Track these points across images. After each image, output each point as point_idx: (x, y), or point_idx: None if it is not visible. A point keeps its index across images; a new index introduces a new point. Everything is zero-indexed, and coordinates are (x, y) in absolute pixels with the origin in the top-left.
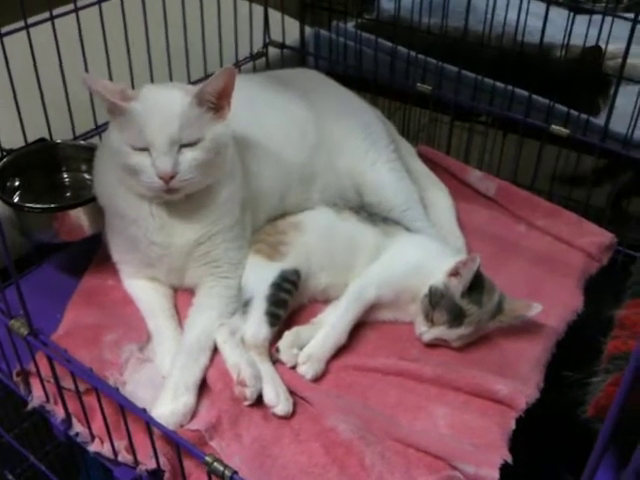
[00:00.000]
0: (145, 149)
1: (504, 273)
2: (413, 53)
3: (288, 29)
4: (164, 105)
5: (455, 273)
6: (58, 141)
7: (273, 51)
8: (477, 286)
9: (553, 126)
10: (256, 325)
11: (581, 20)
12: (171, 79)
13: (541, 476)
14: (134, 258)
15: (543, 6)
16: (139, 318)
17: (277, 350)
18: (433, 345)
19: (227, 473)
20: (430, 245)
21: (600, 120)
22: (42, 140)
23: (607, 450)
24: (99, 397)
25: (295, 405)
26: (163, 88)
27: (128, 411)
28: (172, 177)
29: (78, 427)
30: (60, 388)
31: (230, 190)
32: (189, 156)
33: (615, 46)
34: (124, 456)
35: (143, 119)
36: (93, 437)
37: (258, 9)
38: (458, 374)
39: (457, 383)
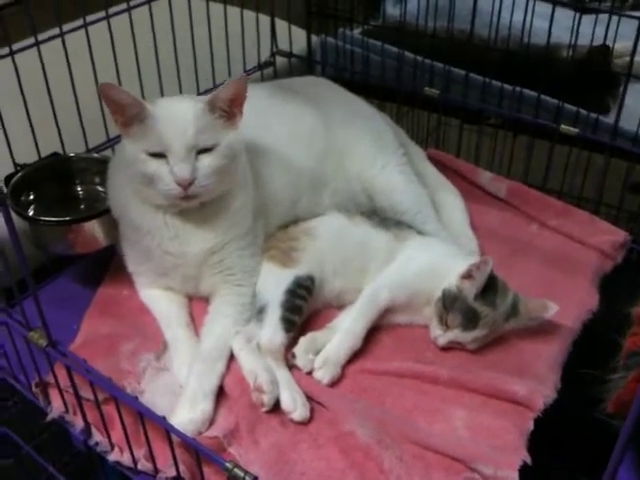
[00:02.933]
0: (162, 155)
1: (518, 274)
2: (420, 58)
3: (295, 38)
4: (179, 112)
5: (468, 276)
6: (71, 155)
7: (281, 60)
8: (490, 288)
9: (563, 126)
10: (272, 331)
11: (587, 20)
12: (180, 90)
13: (557, 477)
14: (149, 268)
15: (549, 7)
16: (155, 327)
17: (293, 356)
18: (448, 347)
19: (247, 479)
20: (443, 248)
21: (610, 119)
22: (55, 154)
23: (628, 447)
24: (118, 406)
25: (312, 410)
26: (177, 98)
27: (147, 419)
28: (190, 183)
29: (97, 436)
30: (79, 398)
31: (242, 198)
32: (206, 162)
33: (622, 44)
34: (144, 464)
35: (160, 125)
36: (112, 446)
37: (265, 19)
38: (474, 376)
39: (474, 385)
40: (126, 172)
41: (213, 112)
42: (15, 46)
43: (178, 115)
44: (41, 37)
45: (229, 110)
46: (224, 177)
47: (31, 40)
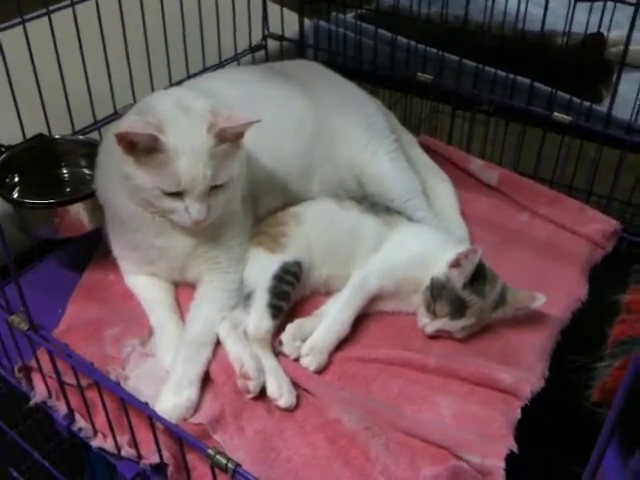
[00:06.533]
0: (177, 193)
1: (507, 262)
2: (413, 43)
3: (287, 21)
4: (194, 150)
5: (456, 264)
6: (57, 136)
7: (272, 43)
8: (479, 277)
9: (555, 114)
10: (258, 318)
11: (582, 7)
12: (169, 73)
13: (546, 464)
14: (134, 256)
15: None
16: (141, 312)
17: (280, 342)
18: (436, 336)
19: (230, 465)
20: (432, 235)
21: (603, 107)
22: (41, 135)
23: (613, 435)
24: (101, 392)
25: (298, 397)
26: (186, 119)
27: (130, 405)
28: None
29: (81, 422)
30: (62, 383)
31: (232, 191)
32: (220, 199)
33: (617, 33)
34: (127, 451)
35: (176, 165)
36: (96, 432)
37: (257, 1)
38: (462, 364)
39: (461, 373)
40: (130, 190)
41: (222, 142)
42: (0, 25)
43: (194, 155)
44: (28, 16)
45: (236, 137)
46: (231, 199)
47: (17, 19)
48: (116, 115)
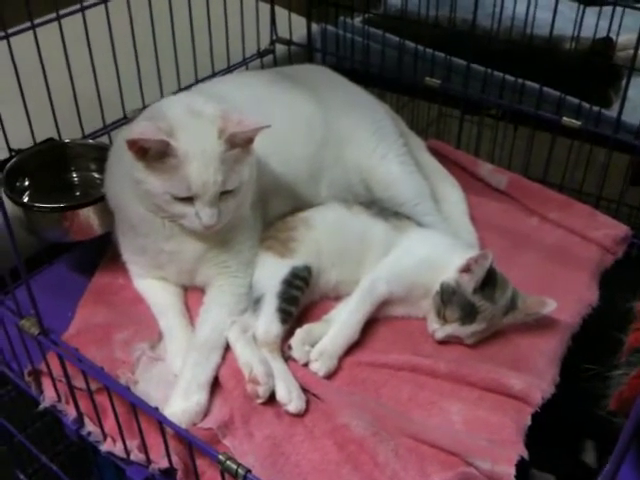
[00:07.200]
0: (187, 198)
1: (517, 267)
2: (421, 47)
3: (295, 26)
4: (205, 154)
5: (467, 269)
6: (67, 140)
7: (280, 48)
8: (489, 282)
9: (565, 118)
10: (268, 322)
11: (591, 12)
12: (178, 77)
13: (555, 472)
14: (144, 260)
15: None
16: (150, 316)
17: (289, 347)
18: (446, 341)
19: (240, 471)
20: (441, 240)
21: (612, 112)
22: (51, 140)
23: (630, 446)
24: (111, 396)
25: (308, 402)
26: (196, 123)
27: (140, 410)
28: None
29: (90, 426)
30: (72, 387)
31: (243, 196)
32: (230, 204)
33: (626, 37)
34: (136, 455)
35: (187, 170)
36: (105, 436)
37: (265, 6)
38: (472, 369)
39: (471, 378)
40: (141, 195)
41: (233, 147)
42: (11, 30)
43: (205, 160)
44: (37, 20)
45: (246, 142)
46: (242, 204)
47: (27, 24)
48: (125, 119)
